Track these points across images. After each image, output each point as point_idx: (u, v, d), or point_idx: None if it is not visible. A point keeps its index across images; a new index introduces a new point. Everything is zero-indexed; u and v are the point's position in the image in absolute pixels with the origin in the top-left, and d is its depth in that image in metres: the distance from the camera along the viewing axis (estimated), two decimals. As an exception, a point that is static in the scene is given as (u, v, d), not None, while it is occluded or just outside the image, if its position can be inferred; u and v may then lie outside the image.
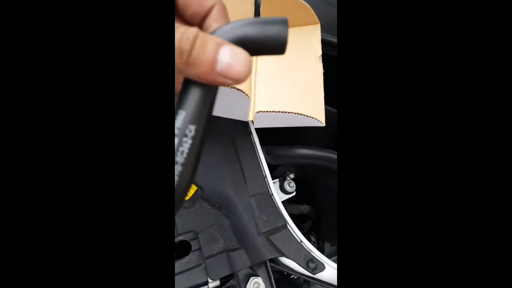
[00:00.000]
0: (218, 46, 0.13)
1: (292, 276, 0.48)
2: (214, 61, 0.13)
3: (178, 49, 0.13)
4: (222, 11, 0.16)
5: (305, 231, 0.59)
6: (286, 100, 0.35)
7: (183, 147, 0.15)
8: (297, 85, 0.37)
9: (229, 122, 0.43)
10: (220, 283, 0.40)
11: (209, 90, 0.15)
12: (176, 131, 0.15)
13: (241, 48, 0.14)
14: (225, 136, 0.43)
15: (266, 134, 0.43)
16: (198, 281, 0.38)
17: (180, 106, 0.15)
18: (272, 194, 0.42)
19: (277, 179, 0.46)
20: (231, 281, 0.39)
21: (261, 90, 0.36)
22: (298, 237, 0.40)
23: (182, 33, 0.13)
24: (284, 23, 0.15)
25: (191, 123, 0.15)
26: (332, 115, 0.60)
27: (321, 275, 0.40)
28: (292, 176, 0.46)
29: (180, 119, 0.15)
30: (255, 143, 0.43)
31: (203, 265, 0.38)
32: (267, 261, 0.40)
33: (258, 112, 0.35)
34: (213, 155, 0.42)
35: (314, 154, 0.41)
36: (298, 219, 0.57)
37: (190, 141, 0.15)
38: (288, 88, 0.37)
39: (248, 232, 0.39)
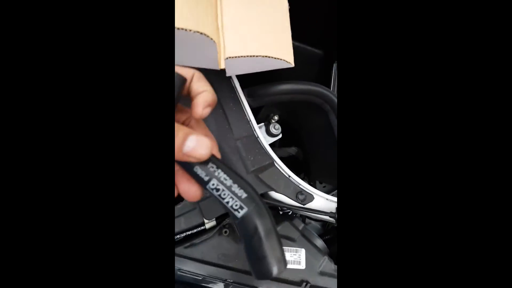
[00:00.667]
0: (186, 135, 0.19)
1: (289, 212, 0.51)
2: (181, 145, 0.19)
3: None
4: (201, 76, 0.22)
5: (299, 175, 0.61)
6: (255, 43, 0.33)
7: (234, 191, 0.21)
8: (264, 26, 0.35)
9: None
10: (216, 222, 0.42)
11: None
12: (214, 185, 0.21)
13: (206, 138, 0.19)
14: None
15: (246, 78, 0.42)
16: (195, 223, 0.41)
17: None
18: (258, 137, 0.42)
19: (262, 123, 0.47)
20: (226, 219, 0.42)
21: (229, 35, 0.34)
22: (286, 172, 0.42)
23: None
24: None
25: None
26: (315, 56, 0.59)
27: (310, 205, 0.43)
28: (276, 118, 0.46)
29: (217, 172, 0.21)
30: (235, 86, 0.42)
31: (197, 208, 0.40)
32: (259, 197, 0.42)
33: (227, 58, 0.33)
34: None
35: (295, 88, 0.41)
36: (289, 163, 0.59)
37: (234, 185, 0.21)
38: (255, 30, 0.34)
39: (237, 172, 0.40)
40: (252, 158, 0.40)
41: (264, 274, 0.19)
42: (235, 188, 0.20)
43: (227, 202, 0.20)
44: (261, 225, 0.20)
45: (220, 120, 0.41)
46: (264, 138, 0.43)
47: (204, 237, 0.40)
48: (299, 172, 0.60)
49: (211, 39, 0.30)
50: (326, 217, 0.44)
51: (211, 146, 0.20)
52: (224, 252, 0.40)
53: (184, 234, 0.41)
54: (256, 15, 0.36)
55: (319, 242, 0.44)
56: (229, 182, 0.21)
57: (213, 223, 0.42)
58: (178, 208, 0.40)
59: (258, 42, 0.33)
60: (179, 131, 0.19)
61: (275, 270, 0.19)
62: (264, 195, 0.42)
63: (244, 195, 0.20)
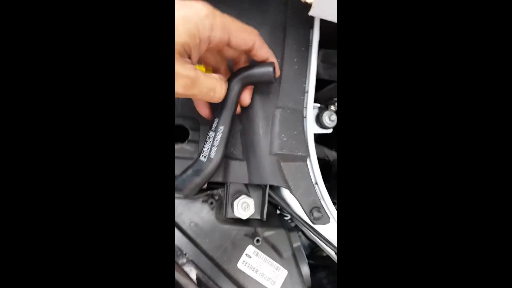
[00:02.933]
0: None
1: (286, 217, 0.42)
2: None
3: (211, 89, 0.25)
4: (262, 42, 0.26)
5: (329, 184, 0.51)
6: None
7: (216, 139, 0.27)
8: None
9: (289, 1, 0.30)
10: (207, 187, 0.34)
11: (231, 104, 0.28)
12: (213, 129, 0.28)
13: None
14: (276, 15, 0.30)
15: (331, 38, 0.30)
16: (184, 174, 0.33)
17: (216, 115, 0.28)
18: (305, 117, 0.32)
19: (318, 105, 0.36)
20: (218, 190, 0.33)
21: None
22: (314, 177, 0.32)
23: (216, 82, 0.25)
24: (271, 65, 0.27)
25: (222, 125, 0.27)
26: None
27: (320, 228, 0.33)
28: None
29: (216, 122, 0.28)
30: (312, 40, 0.31)
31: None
32: (267, 187, 0.33)
33: None
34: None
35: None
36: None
37: (220, 135, 0.27)
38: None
39: (258, 146, 0.31)
40: (284, 139, 0.30)
41: None
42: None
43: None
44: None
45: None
46: (312, 123, 0.32)
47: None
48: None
49: None
50: (330, 251, 0.35)
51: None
52: (198, 222, 0.32)
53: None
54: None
55: (305, 270, 0.35)
56: (215, 143, 0.28)
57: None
58: (175, 149, 0.32)
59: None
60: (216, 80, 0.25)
61: None
62: (273, 188, 0.33)
63: (215, 149, 0.27)
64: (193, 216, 0.32)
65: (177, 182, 0.27)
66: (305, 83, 0.31)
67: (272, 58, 0.27)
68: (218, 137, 0.27)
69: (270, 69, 0.26)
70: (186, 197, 0.30)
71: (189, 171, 0.27)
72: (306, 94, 0.31)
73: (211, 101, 0.25)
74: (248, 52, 0.26)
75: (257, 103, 0.31)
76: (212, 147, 0.27)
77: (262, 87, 0.30)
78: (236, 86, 0.27)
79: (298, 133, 0.31)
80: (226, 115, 0.27)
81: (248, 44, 0.25)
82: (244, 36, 0.24)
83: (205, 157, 0.27)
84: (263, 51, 0.26)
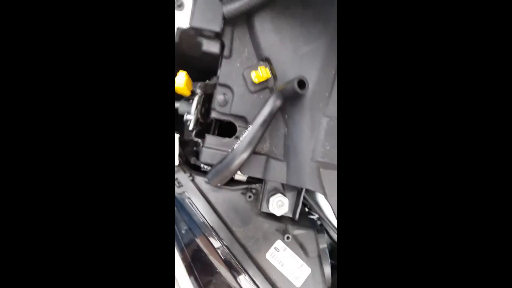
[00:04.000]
0: None
1: (317, 220, 0.44)
2: None
3: None
4: None
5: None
6: None
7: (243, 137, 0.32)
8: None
9: None
10: (246, 180, 0.37)
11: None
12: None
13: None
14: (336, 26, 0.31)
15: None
16: (228, 167, 0.36)
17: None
18: (350, 128, 0.33)
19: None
20: (257, 185, 0.36)
21: None
22: (350, 188, 0.33)
23: None
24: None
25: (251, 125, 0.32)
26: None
27: (348, 236, 0.35)
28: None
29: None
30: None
31: (239, 155, 0.35)
32: (303, 190, 0.34)
33: None
34: (311, 42, 0.31)
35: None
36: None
37: (250, 135, 0.31)
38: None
39: (300, 151, 0.33)
40: (328, 148, 0.31)
41: None
42: None
43: None
44: None
45: (324, 80, 0.31)
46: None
47: (227, 185, 0.36)
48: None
49: None
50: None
51: None
52: (235, 211, 0.36)
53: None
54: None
55: (328, 270, 0.37)
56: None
57: (243, 178, 0.37)
58: (222, 142, 0.35)
59: None
60: None
61: None
62: (308, 191, 0.35)
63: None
64: (231, 205, 0.36)
65: (208, 174, 0.33)
66: (355, 96, 0.32)
67: None
68: (247, 136, 0.31)
69: (294, 84, 0.28)
70: (215, 186, 0.34)
71: (220, 163, 0.32)
72: (354, 107, 0.32)
73: None
74: None
75: (305, 109, 0.32)
76: (239, 144, 0.31)
77: (314, 94, 0.32)
78: (273, 99, 0.31)
79: (341, 144, 0.32)
80: (257, 120, 0.31)
81: None
82: None
83: (231, 150, 0.32)
84: None
